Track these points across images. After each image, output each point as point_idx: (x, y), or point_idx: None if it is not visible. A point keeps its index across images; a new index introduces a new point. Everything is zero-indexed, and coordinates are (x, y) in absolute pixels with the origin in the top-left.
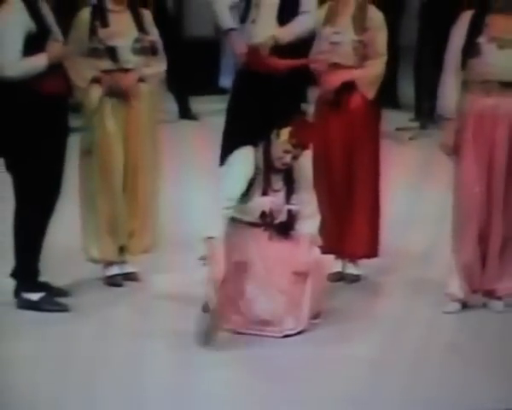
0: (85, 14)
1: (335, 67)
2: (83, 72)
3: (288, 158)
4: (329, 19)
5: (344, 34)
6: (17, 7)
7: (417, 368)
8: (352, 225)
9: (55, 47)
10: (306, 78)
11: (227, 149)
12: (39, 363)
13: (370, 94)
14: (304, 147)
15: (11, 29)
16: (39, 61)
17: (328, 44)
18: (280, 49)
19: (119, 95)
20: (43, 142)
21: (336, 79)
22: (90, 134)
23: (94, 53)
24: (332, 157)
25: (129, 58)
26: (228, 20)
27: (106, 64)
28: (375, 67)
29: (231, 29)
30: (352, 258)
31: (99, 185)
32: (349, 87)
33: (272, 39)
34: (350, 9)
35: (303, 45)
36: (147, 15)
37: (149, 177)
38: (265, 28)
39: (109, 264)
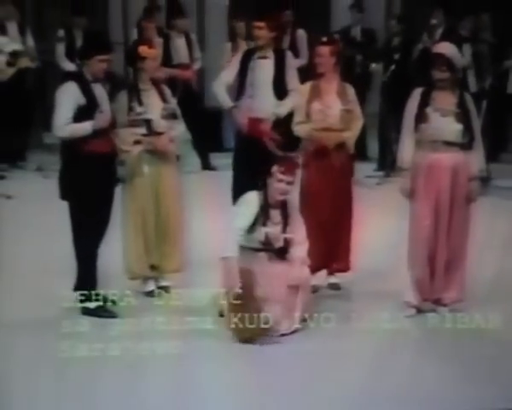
0: (123, 96)
1: (327, 130)
2: (126, 138)
3: (283, 185)
4: (315, 96)
5: (334, 107)
6: (72, 86)
7: (385, 359)
8: (331, 247)
9: (100, 118)
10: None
11: (236, 193)
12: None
13: (352, 149)
14: (291, 173)
15: (65, 101)
16: (85, 127)
17: (320, 114)
18: (278, 121)
19: (155, 152)
20: (95, 189)
21: (331, 140)
22: (131, 183)
23: (133, 123)
24: (320, 198)
25: (160, 124)
26: (227, 99)
27: (143, 130)
28: (357, 128)
29: (232, 107)
30: (332, 271)
31: (137, 220)
32: (338, 144)
33: (274, 115)
34: (334, 88)
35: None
36: (166, 89)
37: (177, 213)
38: (265, 103)
39: (146, 280)
